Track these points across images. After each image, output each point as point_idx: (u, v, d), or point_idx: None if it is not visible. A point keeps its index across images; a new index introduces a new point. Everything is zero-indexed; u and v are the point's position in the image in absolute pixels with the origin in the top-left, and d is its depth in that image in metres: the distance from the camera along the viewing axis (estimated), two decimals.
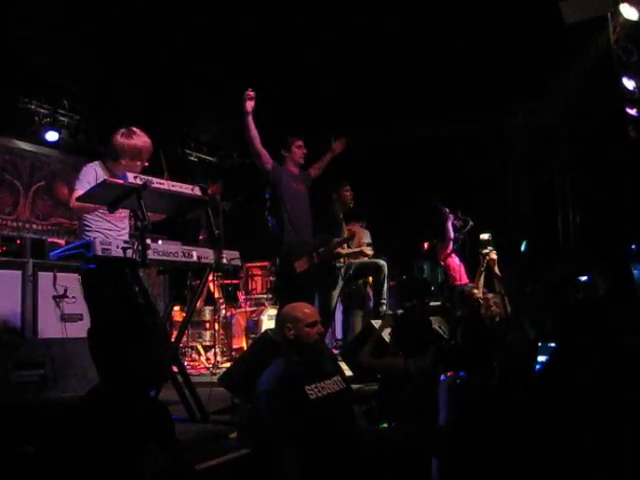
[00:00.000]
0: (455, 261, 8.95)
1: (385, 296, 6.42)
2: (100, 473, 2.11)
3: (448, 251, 8.81)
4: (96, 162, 4.21)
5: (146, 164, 4.16)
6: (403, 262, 9.84)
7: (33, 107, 8.94)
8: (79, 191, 3.97)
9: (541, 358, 3.09)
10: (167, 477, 2.31)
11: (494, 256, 7.83)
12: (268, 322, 7.40)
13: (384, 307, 6.34)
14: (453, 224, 8.61)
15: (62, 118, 9.28)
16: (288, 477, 3.06)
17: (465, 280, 8.61)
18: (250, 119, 5.38)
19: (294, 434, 3.14)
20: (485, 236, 8.13)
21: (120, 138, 4.10)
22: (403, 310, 6.02)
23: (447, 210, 8.75)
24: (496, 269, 7.73)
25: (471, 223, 8.41)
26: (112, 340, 2.28)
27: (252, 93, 5.29)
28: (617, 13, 6.53)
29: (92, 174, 4.05)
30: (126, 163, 4.08)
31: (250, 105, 5.31)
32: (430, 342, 4.27)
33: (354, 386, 4.31)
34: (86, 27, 7.15)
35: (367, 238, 7.35)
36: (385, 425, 3.88)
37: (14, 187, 8.44)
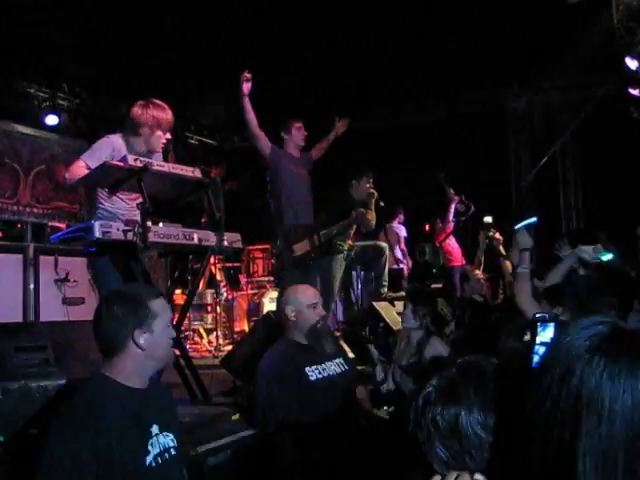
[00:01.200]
0: (452, 243, 8.95)
1: (386, 278, 6.42)
2: (103, 455, 2.11)
3: (447, 232, 8.82)
4: (117, 134, 4.07)
5: (168, 136, 4.05)
6: (406, 244, 9.83)
7: (32, 91, 8.92)
8: (82, 162, 3.84)
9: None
10: (169, 458, 2.31)
11: (499, 236, 7.83)
12: (270, 305, 7.41)
13: (385, 289, 6.35)
14: (456, 207, 8.60)
15: (62, 102, 9.26)
16: (286, 459, 3.08)
17: (460, 262, 8.63)
18: (247, 101, 5.31)
19: (293, 416, 3.15)
20: (488, 219, 8.11)
21: (137, 109, 3.97)
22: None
23: (452, 192, 8.73)
24: (501, 249, 7.72)
25: (473, 208, 8.39)
26: (111, 322, 2.27)
27: (249, 75, 5.20)
28: None
29: (108, 150, 3.88)
30: (145, 135, 3.96)
31: (247, 87, 5.23)
32: None
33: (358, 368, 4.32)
34: (85, 9, 7.10)
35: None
36: (390, 409, 3.87)
37: (14, 171, 8.42)
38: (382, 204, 6.21)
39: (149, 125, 3.95)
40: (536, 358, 1.45)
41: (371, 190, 6.21)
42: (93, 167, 3.76)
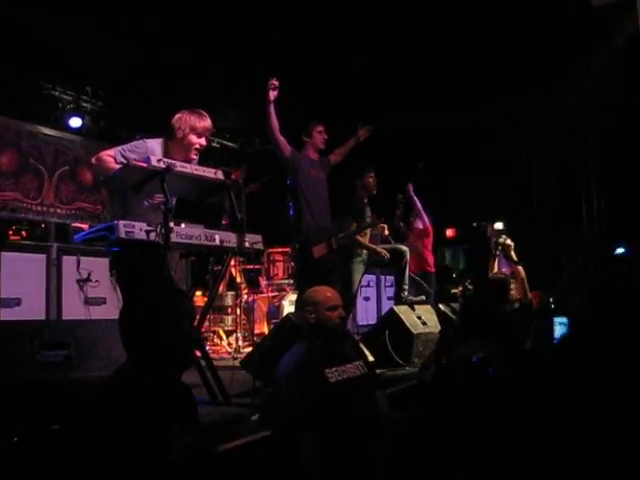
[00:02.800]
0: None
1: (407, 282, 6.40)
2: (126, 452, 2.13)
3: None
4: (157, 139, 4.14)
5: (203, 142, 4.13)
6: None
7: (57, 94, 9.03)
8: (112, 152, 3.93)
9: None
10: (191, 457, 2.32)
11: (510, 242, 7.74)
12: (289, 307, 7.42)
13: (405, 293, 6.33)
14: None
15: (85, 104, 9.36)
16: (305, 459, 3.07)
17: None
18: (272, 108, 5.38)
19: (313, 417, 3.15)
20: (499, 225, 8.04)
21: (177, 114, 4.08)
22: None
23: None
24: (512, 254, 7.65)
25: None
26: (142, 321, 2.29)
27: (276, 82, 5.28)
28: None
29: (141, 154, 3.90)
30: (179, 139, 4.06)
31: (273, 94, 5.32)
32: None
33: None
34: (109, 13, 7.17)
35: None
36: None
37: (39, 172, 8.52)
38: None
39: (182, 129, 4.03)
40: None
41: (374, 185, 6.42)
42: (119, 160, 3.85)
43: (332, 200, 5.92)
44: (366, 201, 6.59)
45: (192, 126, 4.06)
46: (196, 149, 4.10)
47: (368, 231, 6.40)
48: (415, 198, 8.26)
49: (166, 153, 4.08)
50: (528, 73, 8.79)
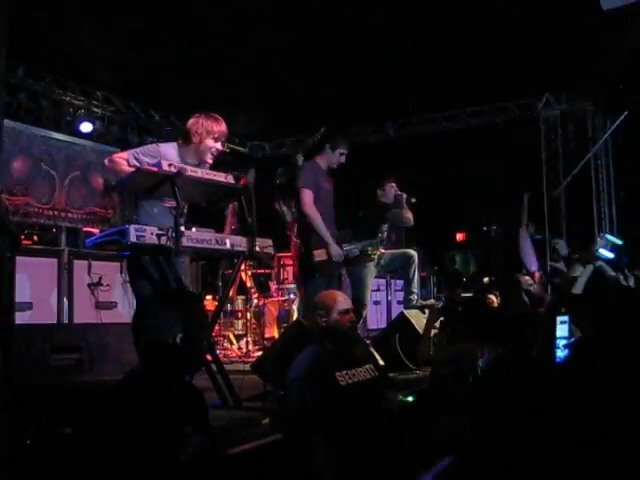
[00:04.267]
0: None
1: (416, 286, 6.38)
2: (137, 455, 2.14)
3: None
4: (171, 143, 4.19)
5: (219, 146, 4.16)
6: (435, 253, 9.81)
7: (68, 99, 9.09)
8: (125, 154, 4.00)
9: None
10: (202, 459, 2.33)
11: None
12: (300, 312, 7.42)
13: (415, 297, 6.31)
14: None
15: (96, 109, 9.42)
16: (317, 463, 3.07)
17: None
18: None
19: (324, 420, 3.15)
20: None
21: (192, 118, 4.12)
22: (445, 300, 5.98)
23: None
24: None
25: None
26: (154, 324, 2.31)
27: None
28: None
29: (154, 158, 3.92)
30: (195, 143, 4.09)
31: None
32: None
33: None
34: (120, 19, 7.22)
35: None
36: (410, 398, 3.85)
37: (51, 177, 8.56)
38: (414, 200, 6.39)
39: (199, 133, 4.07)
40: (558, 352, 1.45)
41: (398, 192, 6.39)
42: (132, 163, 3.90)
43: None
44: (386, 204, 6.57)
45: (209, 130, 4.09)
46: (212, 153, 4.13)
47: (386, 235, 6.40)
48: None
49: (180, 157, 4.11)
50: (540, 75, 8.78)
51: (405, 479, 2.97)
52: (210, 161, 4.16)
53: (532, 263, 8.81)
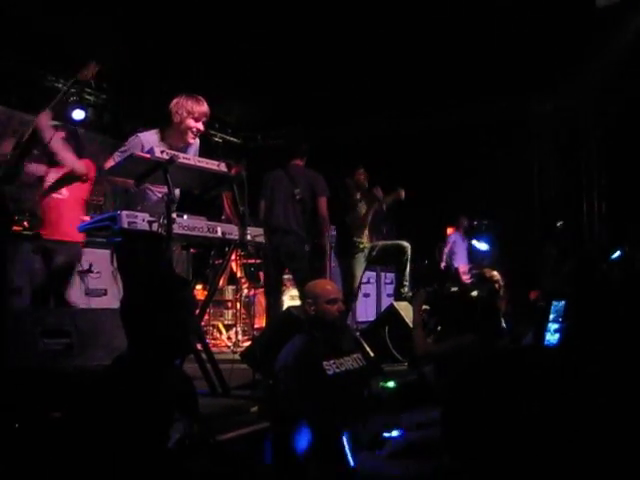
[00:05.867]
0: None
1: (407, 278, 6.41)
2: (126, 439, 2.15)
3: None
4: (153, 131, 4.22)
5: (200, 126, 4.19)
6: (426, 246, 9.84)
7: (60, 85, 9.03)
8: (111, 161, 4.05)
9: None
10: (190, 444, 2.34)
11: None
12: (289, 302, 7.43)
13: (406, 289, 6.34)
14: None
15: (88, 97, 9.36)
16: (303, 450, 3.10)
17: None
18: None
19: (310, 408, 3.18)
20: None
21: (174, 100, 4.15)
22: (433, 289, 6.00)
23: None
24: None
25: None
26: (142, 308, 2.31)
27: None
28: None
29: (137, 147, 4.01)
30: (177, 123, 4.13)
31: None
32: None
33: None
34: (112, 6, 7.18)
35: None
36: (391, 383, 3.87)
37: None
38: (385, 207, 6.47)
39: (179, 114, 4.09)
40: (548, 336, 1.46)
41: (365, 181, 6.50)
42: None
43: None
44: (359, 197, 6.59)
45: (189, 110, 4.12)
46: (193, 132, 4.16)
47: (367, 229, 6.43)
48: None
49: (162, 140, 4.15)
50: (531, 73, 8.79)
51: None
52: (192, 141, 4.20)
53: (460, 260, 9.26)
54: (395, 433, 3.03)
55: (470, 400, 2.13)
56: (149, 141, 4.07)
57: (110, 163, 4.05)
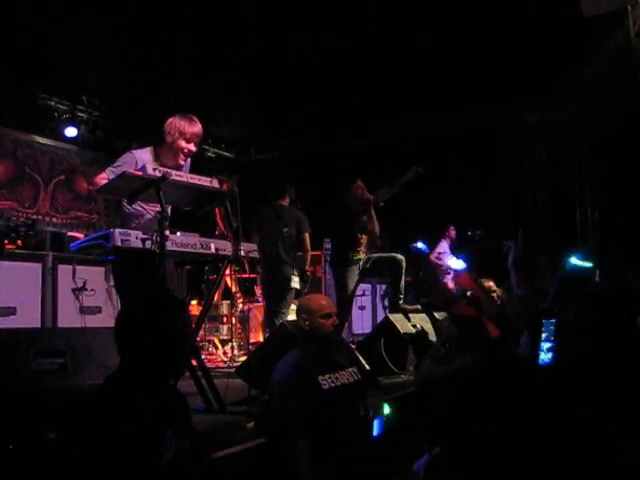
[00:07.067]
0: None
1: (402, 290, 6.41)
2: (119, 459, 2.14)
3: None
4: (147, 148, 4.21)
5: (192, 147, 4.18)
6: (420, 258, 9.85)
7: (53, 103, 9.05)
8: (104, 175, 4.00)
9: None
10: (184, 464, 2.33)
11: None
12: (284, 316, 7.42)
13: (401, 301, 6.34)
14: None
15: (81, 114, 9.38)
16: (299, 466, 3.09)
17: None
18: None
19: (306, 424, 3.17)
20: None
21: (168, 120, 4.14)
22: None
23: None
24: None
25: None
26: (135, 327, 2.31)
27: None
28: (637, 5, 6.47)
29: (131, 166, 3.98)
30: (168, 144, 4.12)
31: None
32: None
33: None
34: (105, 24, 7.21)
35: None
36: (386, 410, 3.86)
37: (34, 181, 8.54)
38: (382, 204, 6.47)
39: (172, 134, 4.09)
40: (542, 355, 1.47)
41: (366, 195, 6.42)
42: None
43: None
44: (361, 211, 6.57)
45: (181, 131, 4.11)
46: (184, 154, 4.15)
47: (365, 239, 6.43)
48: None
49: (156, 159, 4.14)
50: (522, 82, 8.85)
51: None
52: (182, 162, 4.18)
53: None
54: None
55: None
56: (143, 159, 4.07)
57: (102, 177, 4.01)
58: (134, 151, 4.17)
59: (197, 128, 4.16)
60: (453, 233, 10.08)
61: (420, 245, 9.82)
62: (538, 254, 9.09)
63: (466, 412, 2.63)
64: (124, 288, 3.87)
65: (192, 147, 4.18)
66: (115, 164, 4.09)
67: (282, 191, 6.90)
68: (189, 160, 4.33)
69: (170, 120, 4.15)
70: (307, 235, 6.71)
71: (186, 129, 4.11)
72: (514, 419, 2.37)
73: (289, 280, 6.36)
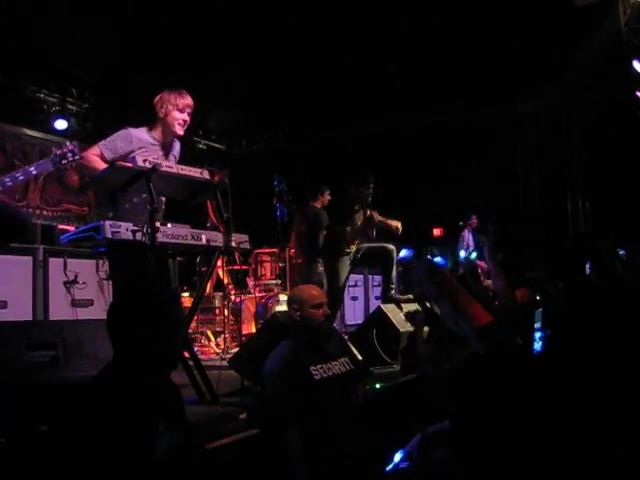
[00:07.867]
0: None
1: (394, 281, 6.41)
2: (112, 451, 2.14)
3: None
4: (142, 128, 4.18)
5: (186, 117, 4.17)
6: (413, 248, 9.86)
7: (42, 96, 8.99)
8: (97, 149, 3.98)
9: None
10: (177, 456, 2.33)
11: None
12: (277, 308, 7.42)
13: (393, 292, 6.35)
14: None
15: (71, 106, 9.33)
16: (292, 456, 3.10)
17: None
18: None
19: (298, 414, 3.18)
20: None
21: (171, 95, 4.14)
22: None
23: None
24: None
25: None
26: (126, 319, 2.30)
27: None
28: None
29: (126, 141, 3.99)
30: (162, 117, 4.11)
31: None
32: None
33: None
34: (94, 15, 7.17)
35: None
36: (378, 385, 3.87)
37: None
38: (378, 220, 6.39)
39: (164, 107, 4.09)
40: (535, 345, 1.47)
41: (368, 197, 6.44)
42: (106, 155, 3.92)
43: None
44: (357, 208, 6.53)
45: (173, 103, 4.11)
46: (180, 124, 4.14)
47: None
48: None
49: (152, 139, 4.13)
50: (513, 73, 8.85)
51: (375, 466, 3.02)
52: (180, 132, 4.17)
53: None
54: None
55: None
56: (139, 138, 4.05)
57: (94, 152, 3.97)
58: (130, 129, 4.13)
59: (188, 99, 4.18)
60: (475, 222, 10.10)
61: (403, 254, 9.64)
62: (524, 245, 9.12)
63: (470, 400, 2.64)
64: (115, 280, 3.86)
65: (186, 117, 4.17)
66: (109, 139, 4.04)
67: (316, 193, 7.38)
68: (178, 144, 4.31)
69: (159, 96, 4.15)
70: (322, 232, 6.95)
71: (177, 100, 4.12)
72: (516, 406, 2.38)
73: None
